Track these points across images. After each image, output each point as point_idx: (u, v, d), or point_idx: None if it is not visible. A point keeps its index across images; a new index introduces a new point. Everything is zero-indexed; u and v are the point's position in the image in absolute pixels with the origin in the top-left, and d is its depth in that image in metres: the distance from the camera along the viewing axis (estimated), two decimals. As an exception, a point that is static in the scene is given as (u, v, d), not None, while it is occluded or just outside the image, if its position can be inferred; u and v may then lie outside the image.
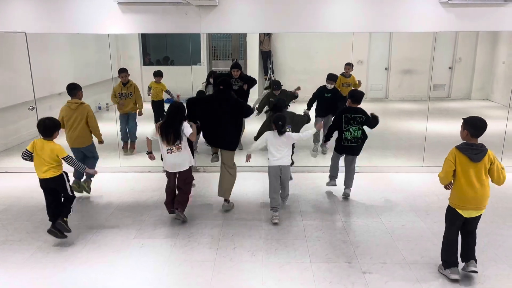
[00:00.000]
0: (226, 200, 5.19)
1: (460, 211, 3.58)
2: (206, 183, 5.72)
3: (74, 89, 5.40)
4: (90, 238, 4.51)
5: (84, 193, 5.61)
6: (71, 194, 4.42)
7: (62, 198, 4.43)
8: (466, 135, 3.55)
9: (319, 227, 4.75)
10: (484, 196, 3.53)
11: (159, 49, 11.38)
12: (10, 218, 5.02)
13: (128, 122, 7.22)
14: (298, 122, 5.35)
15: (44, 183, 4.30)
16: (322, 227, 4.74)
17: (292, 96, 6.72)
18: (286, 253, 4.17)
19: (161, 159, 4.81)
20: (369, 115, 5.27)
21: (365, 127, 5.32)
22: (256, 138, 5.15)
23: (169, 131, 4.56)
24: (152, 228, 4.74)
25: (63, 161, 4.31)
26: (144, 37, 10.43)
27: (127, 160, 7.10)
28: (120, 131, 7.23)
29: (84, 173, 5.53)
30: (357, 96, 5.28)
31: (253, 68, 10.96)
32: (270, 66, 10.91)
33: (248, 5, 5.98)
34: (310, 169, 6.59)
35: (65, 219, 4.32)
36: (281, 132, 4.68)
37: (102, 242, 4.43)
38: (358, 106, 5.29)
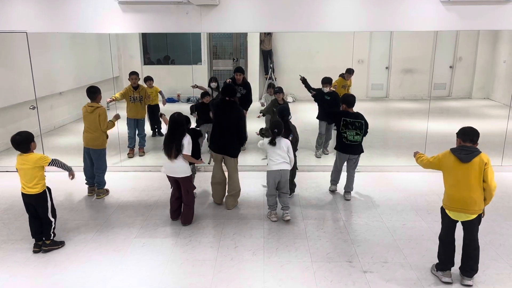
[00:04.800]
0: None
1: (448, 212, 3.59)
2: (207, 183, 5.72)
3: (94, 93, 5.39)
4: (91, 237, 4.51)
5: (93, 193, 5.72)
6: (50, 218, 4.21)
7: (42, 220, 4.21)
8: (459, 144, 3.61)
9: (320, 226, 4.75)
10: (473, 200, 3.46)
11: (159, 49, 11.38)
12: (11, 217, 5.03)
13: (137, 128, 7.20)
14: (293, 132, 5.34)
15: (25, 197, 4.15)
16: (323, 227, 4.74)
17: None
18: (287, 253, 4.18)
19: None
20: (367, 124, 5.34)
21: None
22: (261, 133, 5.19)
23: (171, 146, 4.56)
24: (153, 227, 4.75)
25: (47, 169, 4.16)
26: (145, 37, 10.43)
27: (128, 159, 7.10)
28: (128, 138, 7.19)
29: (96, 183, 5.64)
30: (350, 100, 5.32)
31: (253, 67, 10.98)
32: (271, 65, 10.91)
33: (249, 4, 5.98)
34: (311, 169, 6.59)
35: (47, 242, 4.23)
36: (273, 141, 4.69)
37: (103, 241, 4.44)
38: (355, 110, 5.32)
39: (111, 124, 5.54)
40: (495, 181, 3.52)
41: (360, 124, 5.25)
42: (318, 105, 7.02)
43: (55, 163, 4.19)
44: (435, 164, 3.70)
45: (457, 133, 3.65)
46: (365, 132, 5.34)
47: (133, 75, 6.98)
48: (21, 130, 4.12)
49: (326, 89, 6.83)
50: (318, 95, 6.91)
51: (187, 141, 4.61)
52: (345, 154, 5.44)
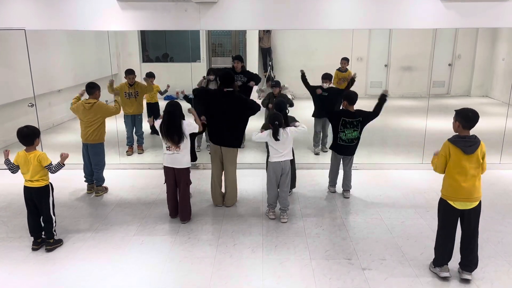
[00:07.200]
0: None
1: (451, 203, 3.56)
2: (206, 180, 5.73)
3: (92, 88, 5.42)
4: (90, 235, 4.51)
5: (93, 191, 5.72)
6: (52, 215, 4.18)
7: (41, 218, 4.19)
8: (458, 127, 3.55)
9: (319, 224, 4.76)
10: (476, 187, 3.50)
11: (158, 46, 11.37)
12: (10, 215, 5.03)
13: (135, 126, 7.19)
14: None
15: (26, 191, 4.13)
16: (321, 224, 4.75)
17: (289, 102, 6.63)
18: (286, 250, 4.18)
19: None
20: (380, 99, 5.22)
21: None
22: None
23: (172, 131, 4.53)
24: (152, 225, 4.75)
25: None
26: (143, 34, 10.42)
27: (126, 157, 7.10)
28: (127, 137, 7.19)
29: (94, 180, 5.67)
30: (352, 97, 5.26)
31: (253, 65, 10.96)
32: (270, 63, 10.90)
33: (247, 2, 5.97)
34: (310, 166, 6.60)
35: (51, 241, 4.20)
36: (276, 135, 4.58)
37: (102, 239, 4.44)
38: (355, 108, 5.30)
39: (117, 104, 5.67)
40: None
41: (357, 122, 5.25)
42: (314, 101, 7.01)
43: (49, 168, 4.09)
44: (444, 162, 3.57)
45: (456, 114, 3.55)
46: (376, 114, 5.24)
47: (130, 74, 6.92)
48: (29, 124, 4.13)
49: (326, 85, 6.82)
50: (315, 89, 6.88)
51: (186, 123, 4.61)
52: (339, 155, 5.49)
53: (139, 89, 7.03)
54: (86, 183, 5.71)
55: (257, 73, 7.24)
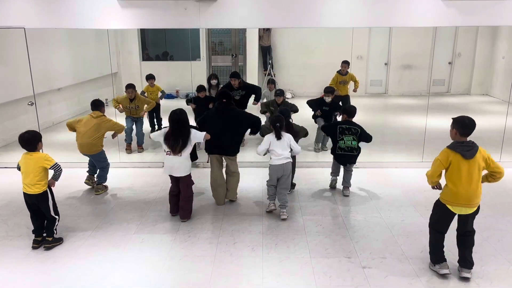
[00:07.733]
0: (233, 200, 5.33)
1: (450, 207, 3.58)
2: (206, 179, 5.71)
3: (98, 106, 5.50)
4: (90, 234, 4.51)
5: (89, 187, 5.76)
6: (53, 215, 4.22)
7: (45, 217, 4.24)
8: (455, 134, 3.59)
9: (319, 222, 4.76)
10: (476, 193, 3.50)
11: (158, 44, 11.35)
12: (10, 214, 5.03)
13: (136, 125, 7.20)
14: (298, 132, 5.33)
15: (27, 197, 4.15)
16: (321, 222, 4.75)
17: (293, 109, 6.67)
18: (286, 248, 4.19)
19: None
20: (365, 130, 5.37)
21: (362, 143, 5.39)
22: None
23: (177, 140, 4.53)
24: (152, 223, 4.75)
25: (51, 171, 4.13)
26: (143, 32, 10.41)
27: (126, 155, 7.10)
28: (125, 132, 7.19)
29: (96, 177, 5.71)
30: (351, 111, 5.39)
31: (252, 63, 10.95)
32: (270, 61, 10.89)
33: (247, 0, 5.97)
34: (310, 165, 6.60)
35: (49, 239, 4.22)
36: (279, 134, 4.68)
37: (102, 237, 4.44)
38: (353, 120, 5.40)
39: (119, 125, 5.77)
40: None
41: (356, 131, 5.28)
42: (315, 117, 7.10)
43: (55, 167, 4.13)
44: (439, 169, 3.58)
45: (454, 122, 3.60)
46: (370, 138, 5.37)
47: (130, 88, 6.88)
48: (30, 129, 4.14)
49: (328, 99, 6.84)
50: (317, 105, 6.94)
51: (193, 132, 4.64)
52: (340, 164, 5.57)
53: (139, 103, 7.03)
54: (87, 174, 5.72)
55: (259, 86, 7.30)
